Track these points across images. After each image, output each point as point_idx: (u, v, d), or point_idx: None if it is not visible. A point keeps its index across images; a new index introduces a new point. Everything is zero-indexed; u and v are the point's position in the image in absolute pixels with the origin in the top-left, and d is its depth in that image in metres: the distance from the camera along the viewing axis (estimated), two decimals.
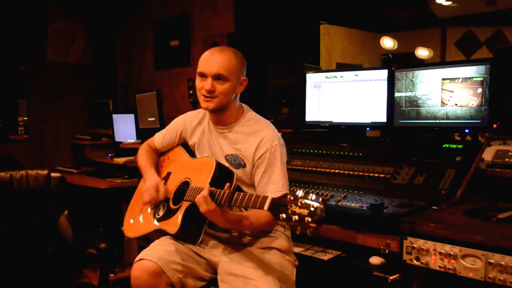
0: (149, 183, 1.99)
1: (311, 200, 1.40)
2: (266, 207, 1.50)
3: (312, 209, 1.38)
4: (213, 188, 1.66)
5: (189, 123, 2.07)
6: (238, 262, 1.80)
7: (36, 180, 2.46)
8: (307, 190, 1.46)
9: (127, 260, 3.62)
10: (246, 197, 1.59)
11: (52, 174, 2.50)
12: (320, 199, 1.40)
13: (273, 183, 1.82)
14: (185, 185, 1.92)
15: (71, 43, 4.62)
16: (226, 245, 1.89)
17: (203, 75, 1.84)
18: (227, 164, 1.89)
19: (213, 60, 1.82)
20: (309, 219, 1.37)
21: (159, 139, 2.17)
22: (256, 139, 1.87)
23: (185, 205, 1.83)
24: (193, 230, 1.84)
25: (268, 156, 1.83)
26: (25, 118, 4.52)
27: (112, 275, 3.33)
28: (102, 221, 3.83)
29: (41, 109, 4.48)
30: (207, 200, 1.63)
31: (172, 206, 1.91)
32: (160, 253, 1.78)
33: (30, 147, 4.40)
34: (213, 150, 1.96)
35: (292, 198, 1.43)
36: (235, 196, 1.62)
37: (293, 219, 1.40)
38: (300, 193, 1.44)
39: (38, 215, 2.44)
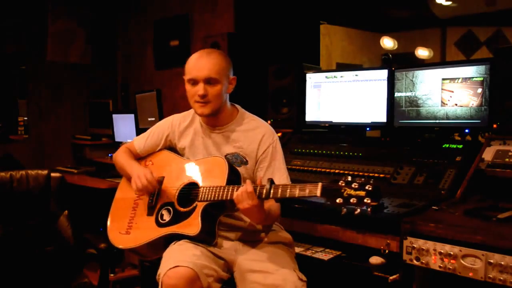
0: (140, 170, 1.93)
1: (364, 182, 1.50)
2: (319, 193, 1.55)
3: (368, 190, 1.48)
4: (253, 183, 1.68)
5: (177, 126, 2.04)
6: (253, 258, 1.81)
7: (36, 180, 2.46)
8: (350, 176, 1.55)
9: (127, 260, 3.62)
10: (289, 188, 1.63)
11: (52, 174, 2.50)
12: (371, 180, 1.50)
13: (277, 176, 1.86)
14: (191, 186, 1.89)
15: (71, 43, 4.62)
16: (237, 243, 1.89)
17: (194, 81, 1.86)
18: None
19: (202, 65, 1.84)
20: (369, 200, 1.47)
21: (140, 143, 2.10)
22: (257, 135, 1.91)
23: (201, 205, 1.80)
24: (209, 230, 1.82)
25: (271, 150, 1.90)
26: (25, 118, 4.52)
27: (112, 275, 3.34)
28: (102, 221, 3.82)
29: (41, 109, 4.48)
30: (252, 195, 1.64)
31: (182, 209, 1.85)
32: (191, 258, 1.70)
33: (30, 147, 4.40)
34: (209, 151, 1.95)
35: (344, 183, 1.52)
36: (273, 189, 1.64)
37: (352, 201, 1.49)
38: (349, 178, 1.53)
39: (38, 215, 2.44)
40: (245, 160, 1.91)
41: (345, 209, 1.52)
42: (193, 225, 1.79)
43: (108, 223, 2.06)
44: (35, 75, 4.45)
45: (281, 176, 1.88)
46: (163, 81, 4.32)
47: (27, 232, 2.40)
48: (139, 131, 3.94)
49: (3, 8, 4.17)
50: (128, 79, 4.84)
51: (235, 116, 1.96)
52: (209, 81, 1.83)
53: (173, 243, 1.83)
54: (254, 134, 1.92)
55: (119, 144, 4.05)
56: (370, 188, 1.48)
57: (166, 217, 1.88)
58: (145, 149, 2.10)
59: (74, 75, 4.67)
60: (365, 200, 1.47)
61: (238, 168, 1.89)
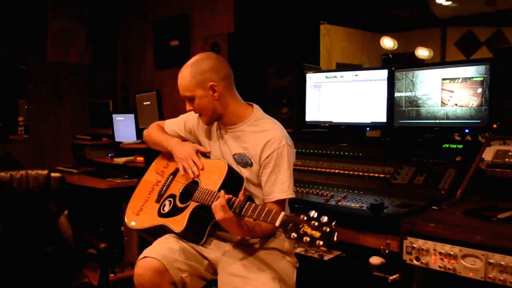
0: (190, 149, 1.99)
1: (324, 222, 1.40)
2: (278, 223, 1.52)
3: (324, 232, 1.38)
4: (230, 196, 1.65)
5: (201, 124, 2.06)
6: (238, 262, 1.80)
7: (36, 180, 2.46)
8: (317, 212, 1.45)
9: (127, 260, 3.62)
10: (258, 210, 1.60)
11: (52, 174, 2.50)
12: (333, 223, 1.39)
13: (279, 184, 1.83)
14: (194, 184, 1.91)
15: (71, 43, 4.62)
16: (228, 245, 1.89)
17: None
18: (234, 163, 1.90)
19: (179, 85, 1.90)
20: (321, 242, 1.38)
21: (169, 127, 2.17)
22: (263, 138, 1.86)
23: (192, 205, 1.83)
24: (197, 230, 1.85)
25: (275, 156, 1.83)
26: (25, 118, 4.52)
27: (112, 275, 3.33)
28: (102, 221, 3.83)
29: (41, 109, 4.48)
30: (224, 208, 1.63)
31: (179, 204, 1.90)
32: (164, 252, 1.77)
33: (30, 147, 4.40)
34: (222, 149, 1.97)
35: (305, 218, 1.43)
36: (246, 207, 1.63)
37: (304, 240, 1.41)
38: (313, 213, 1.43)
39: (38, 215, 2.44)
40: (250, 162, 1.88)
41: (296, 245, 1.45)
42: (179, 222, 1.82)
43: (130, 200, 2.13)
44: (35, 75, 4.45)
45: (283, 184, 1.83)
46: (163, 81, 4.32)
47: (27, 232, 2.40)
48: (139, 131, 3.94)
49: (3, 8, 4.17)
50: (128, 79, 4.84)
51: (248, 116, 1.92)
52: (187, 99, 1.89)
53: (163, 236, 1.89)
54: (261, 137, 1.87)
55: (119, 144, 4.06)
56: (327, 230, 1.38)
57: (167, 208, 1.93)
58: (172, 134, 2.15)
59: (74, 75, 4.67)
60: (317, 242, 1.38)
61: (243, 169, 1.88)
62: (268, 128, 1.89)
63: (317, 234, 1.39)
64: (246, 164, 1.89)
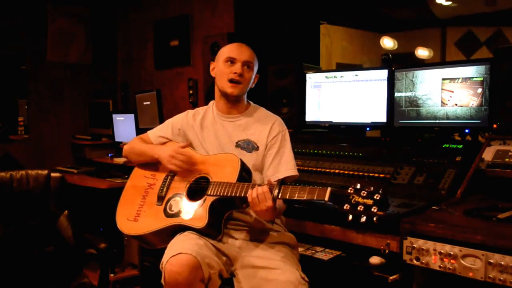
0: (171, 147, 1.97)
1: (373, 191, 1.53)
2: (327, 197, 1.59)
3: (376, 199, 1.51)
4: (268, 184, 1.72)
5: (191, 118, 2.09)
6: (257, 255, 1.83)
7: (36, 180, 2.46)
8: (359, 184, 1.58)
9: (127, 260, 3.62)
10: (298, 190, 1.66)
11: (52, 174, 2.50)
12: (381, 190, 1.53)
13: (285, 163, 1.96)
14: (203, 180, 1.91)
15: (71, 43, 4.63)
16: (242, 241, 1.90)
17: (232, 61, 1.98)
18: (238, 150, 1.96)
19: (243, 50, 2.02)
20: (376, 208, 1.51)
21: (155, 134, 2.14)
22: (268, 123, 2.03)
23: (209, 199, 1.82)
24: (216, 224, 1.83)
25: (280, 137, 2.00)
26: (25, 118, 4.52)
27: (112, 275, 3.34)
28: (102, 221, 3.83)
29: (41, 109, 4.48)
30: (267, 195, 1.68)
31: (191, 201, 1.88)
32: (194, 247, 1.70)
33: (30, 147, 4.40)
34: (220, 140, 2.01)
35: (352, 190, 1.56)
36: (289, 190, 1.67)
37: (359, 208, 1.53)
38: (358, 185, 1.57)
39: (38, 215, 2.44)
40: (256, 146, 1.98)
41: (351, 216, 1.54)
42: (200, 218, 1.80)
43: (118, 209, 2.08)
44: (35, 75, 4.45)
45: (289, 163, 1.96)
46: (163, 81, 4.32)
47: (27, 232, 2.40)
48: (139, 131, 3.94)
49: (2, 8, 4.17)
50: (128, 79, 4.84)
51: (248, 107, 2.08)
52: (247, 65, 1.99)
53: (178, 234, 1.84)
54: (265, 121, 2.03)
55: (119, 144, 4.05)
56: (378, 197, 1.51)
57: (175, 208, 1.90)
58: (158, 140, 2.13)
59: (74, 75, 4.67)
60: (372, 209, 1.51)
61: (249, 154, 1.95)
62: (268, 115, 2.09)
63: (369, 201, 1.52)
64: (252, 148, 1.97)
